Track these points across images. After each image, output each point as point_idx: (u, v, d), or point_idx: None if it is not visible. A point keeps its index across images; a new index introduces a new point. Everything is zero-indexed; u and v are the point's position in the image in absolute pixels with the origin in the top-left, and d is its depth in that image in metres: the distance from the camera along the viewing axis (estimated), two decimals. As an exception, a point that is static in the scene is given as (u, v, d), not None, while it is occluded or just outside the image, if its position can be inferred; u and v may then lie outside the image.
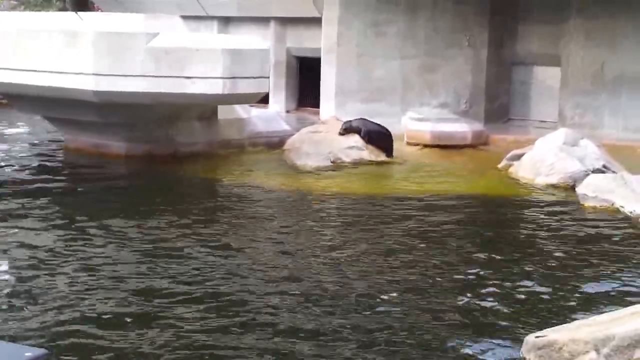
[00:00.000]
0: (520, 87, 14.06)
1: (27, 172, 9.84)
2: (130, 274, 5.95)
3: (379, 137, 11.06)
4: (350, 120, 11.25)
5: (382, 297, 5.58)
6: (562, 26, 13.20)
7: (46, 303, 5.29)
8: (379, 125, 11.28)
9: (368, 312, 5.30)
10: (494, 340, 4.85)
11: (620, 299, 5.56)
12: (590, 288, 5.85)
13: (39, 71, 9.80)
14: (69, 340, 4.72)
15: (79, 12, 10.76)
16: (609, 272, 6.28)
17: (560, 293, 5.73)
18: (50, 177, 9.61)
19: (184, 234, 7.06)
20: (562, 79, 13.32)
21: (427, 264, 6.39)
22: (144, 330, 4.88)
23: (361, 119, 11.37)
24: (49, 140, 12.13)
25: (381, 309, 5.37)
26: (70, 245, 6.66)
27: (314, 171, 10.17)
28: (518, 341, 4.62)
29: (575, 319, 4.92)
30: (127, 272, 5.97)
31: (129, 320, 5.05)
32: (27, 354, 2.70)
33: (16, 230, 7.05)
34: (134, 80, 9.45)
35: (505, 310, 5.38)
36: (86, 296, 5.45)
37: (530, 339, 4.42)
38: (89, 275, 5.88)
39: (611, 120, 12.62)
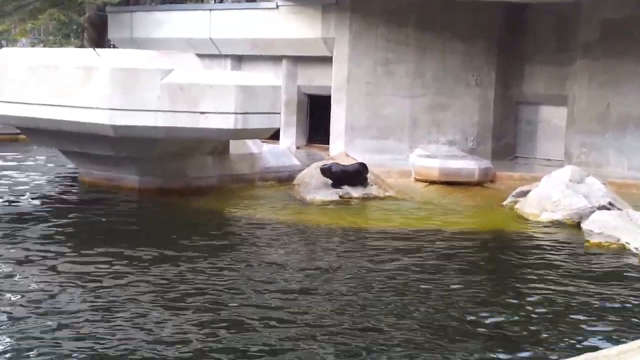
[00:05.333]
0: (527, 126, 14.30)
1: (43, 204, 10.04)
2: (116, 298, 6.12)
3: (349, 177, 10.94)
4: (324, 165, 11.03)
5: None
6: (567, 67, 13.48)
7: (59, 326, 5.47)
8: (345, 166, 11.10)
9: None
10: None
11: (626, 334, 5.62)
12: (597, 323, 5.93)
13: (57, 105, 10.05)
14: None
15: (96, 49, 11.01)
16: (615, 307, 6.36)
17: (566, 327, 5.80)
18: (65, 208, 9.81)
19: (191, 266, 7.25)
20: (568, 119, 13.55)
21: (429, 300, 6.50)
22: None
23: (330, 164, 11.12)
24: (65, 174, 12.36)
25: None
26: (84, 275, 6.85)
27: (322, 205, 10.34)
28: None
29: (582, 353, 4.94)
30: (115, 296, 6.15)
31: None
32: None
33: (32, 258, 7.26)
34: (149, 115, 9.67)
35: (513, 346, 5.44)
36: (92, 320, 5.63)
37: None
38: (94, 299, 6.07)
39: (616, 159, 12.80)
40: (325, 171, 10.86)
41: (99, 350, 5.06)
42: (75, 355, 4.98)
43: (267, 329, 5.56)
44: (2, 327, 5.41)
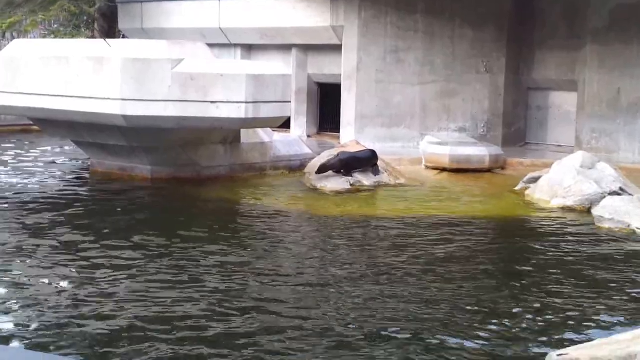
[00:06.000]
0: (537, 112, 14.30)
1: (56, 194, 10.10)
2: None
3: (359, 162, 10.93)
4: (326, 162, 10.90)
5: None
6: (578, 53, 13.44)
7: (76, 313, 5.55)
8: (353, 152, 11.05)
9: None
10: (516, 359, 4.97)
11: (638, 319, 5.65)
12: (610, 308, 5.95)
13: (68, 96, 10.13)
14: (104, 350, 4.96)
15: (107, 40, 11.05)
16: (628, 292, 6.37)
17: (580, 313, 5.83)
18: (78, 198, 9.90)
19: (203, 252, 7.32)
20: (578, 104, 13.52)
21: (445, 284, 6.56)
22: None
23: (338, 153, 11.05)
24: (77, 165, 12.44)
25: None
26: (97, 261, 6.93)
27: (333, 194, 10.37)
28: (540, 360, 4.71)
29: (597, 338, 4.96)
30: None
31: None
32: None
33: (44, 246, 7.35)
34: (161, 104, 9.72)
35: (527, 329, 5.48)
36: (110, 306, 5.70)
37: (553, 357, 4.44)
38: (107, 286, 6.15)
39: (627, 144, 12.77)
40: (322, 169, 10.71)
41: (114, 340, 5.13)
42: (92, 341, 5.06)
43: (273, 318, 5.63)
44: (21, 314, 5.50)
